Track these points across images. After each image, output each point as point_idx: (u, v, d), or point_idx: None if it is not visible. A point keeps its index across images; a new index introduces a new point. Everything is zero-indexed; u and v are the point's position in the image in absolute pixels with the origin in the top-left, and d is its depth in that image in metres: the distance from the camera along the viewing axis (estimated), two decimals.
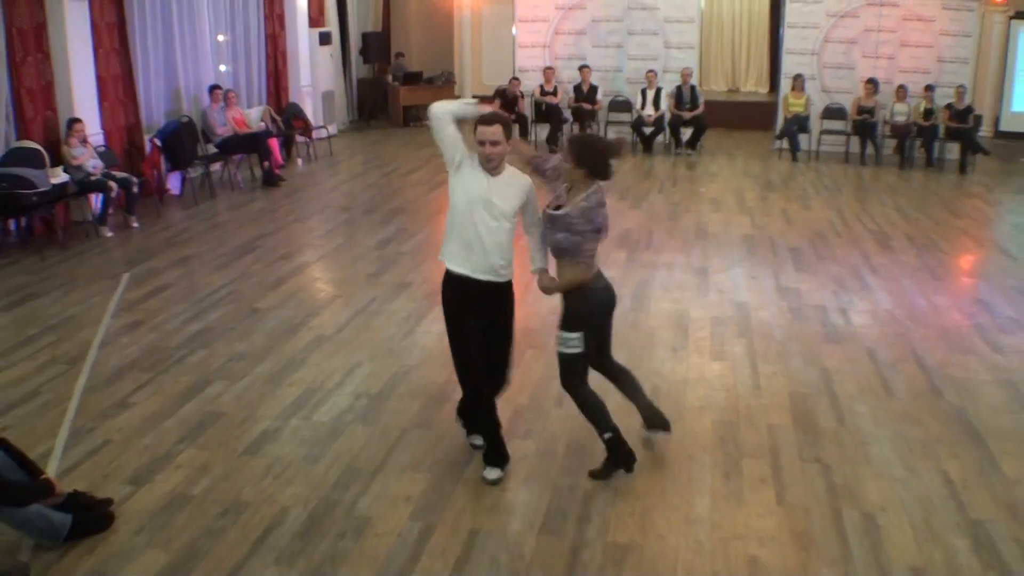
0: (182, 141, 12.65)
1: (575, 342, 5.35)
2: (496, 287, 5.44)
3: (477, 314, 5.42)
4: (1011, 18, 17.93)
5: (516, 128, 16.84)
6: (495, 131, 5.22)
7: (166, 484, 5.38)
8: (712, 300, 8.72)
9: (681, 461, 5.75)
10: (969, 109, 16.19)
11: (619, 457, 5.53)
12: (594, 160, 5.24)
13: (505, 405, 6.38)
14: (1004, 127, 18.08)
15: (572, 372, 5.45)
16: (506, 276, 5.47)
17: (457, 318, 5.46)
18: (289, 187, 13.70)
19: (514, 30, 18.17)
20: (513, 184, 5.36)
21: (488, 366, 5.52)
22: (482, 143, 5.23)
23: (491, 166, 5.29)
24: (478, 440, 5.77)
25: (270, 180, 13.71)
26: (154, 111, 13.10)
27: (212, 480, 5.43)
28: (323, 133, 16.96)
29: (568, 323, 5.38)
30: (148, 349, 7.40)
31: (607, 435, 5.50)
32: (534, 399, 6.54)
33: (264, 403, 6.45)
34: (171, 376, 6.89)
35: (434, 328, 7.90)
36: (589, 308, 5.41)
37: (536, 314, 8.19)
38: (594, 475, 5.53)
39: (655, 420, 5.83)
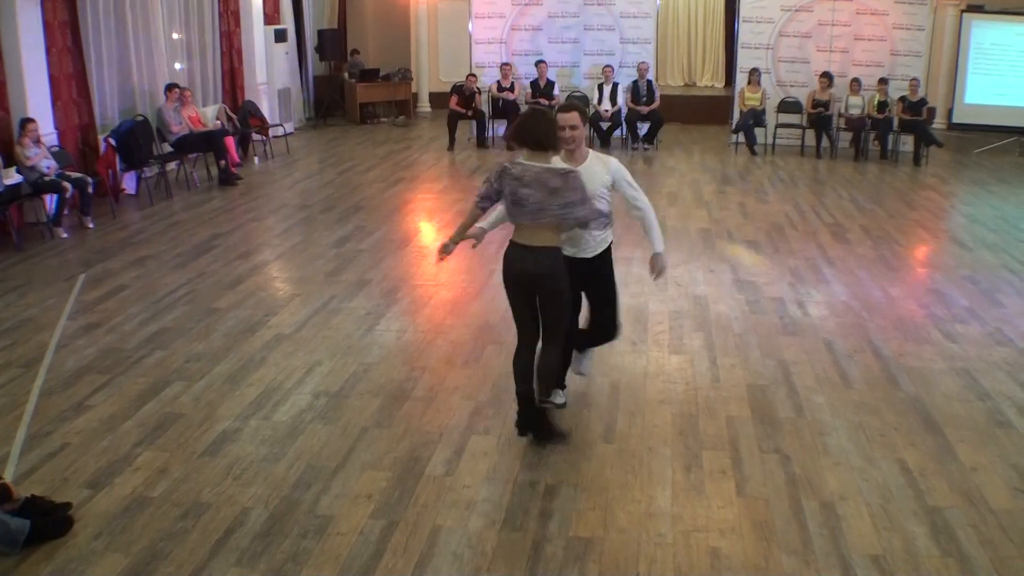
0: (137, 140, 12.52)
1: None
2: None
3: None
4: (963, 11, 18.12)
5: (473, 125, 16.92)
6: (572, 117, 5.68)
7: (125, 487, 5.33)
8: (670, 294, 8.76)
9: (641, 454, 5.78)
10: (923, 101, 16.39)
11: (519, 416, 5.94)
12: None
13: (465, 401, 6.43)
14: (957, 119, 18.26)
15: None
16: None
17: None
18: (246, 186, 13.61)
19: (470, 26, 18.15)
20: (599, 162, 5.85)
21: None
22: (562, 128, 5.60)
23: (572, 147, 5.71)
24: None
25: (226, 179, 13.61)
26: (108, 110, 12.96)
27: (172, 482, 5.39)
28: (279, 131, 16.87)
29: None
30: (105, 351, 7.33)
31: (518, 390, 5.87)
32: (495, 395, 6.54)
33: (223, 403, 6.40)
34: (129, 378, 6.82)
35: (393, 326, 7.89)
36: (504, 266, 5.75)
37: (496, 310, 8.20)
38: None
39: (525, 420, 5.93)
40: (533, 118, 5.63)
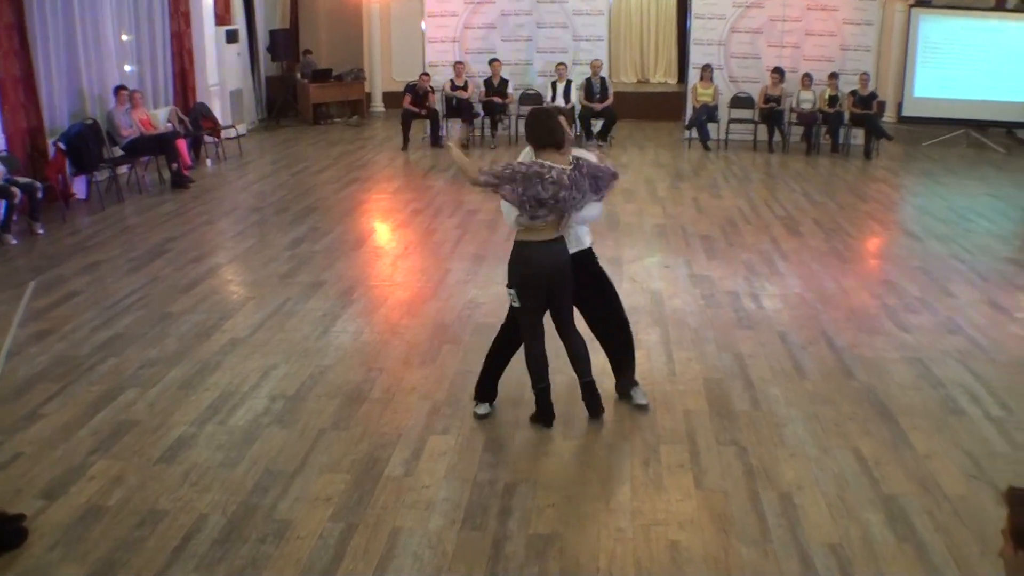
0: (87, 144, 12.36)
1: (511, 296, 5.84)
2: None
3: None
4: (911, 6, 18.30)
5: (427, 125, 16.89)
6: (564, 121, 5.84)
7: (80, 496, 5.27)
8: (626, 289, 8.75)
9: (600, 450, 5.80)
10: (873, 95, 16.55)
11: (541, 411, 6.06)
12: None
13: (423, 401, 6.42)
14: (907, 112, 18.43)
15: (517, 324, 6.00)
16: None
17: None
18: (198, 188, 13.49)
19: (423, 25, 18.10)
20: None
21: None
22: None
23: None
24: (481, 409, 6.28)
25: (179, 182, 13.49)
26: (57, 114, 12.79)
27: (128, 490, 5.33)
28: (232, 133, 16.71)
29: (508, 278, 5.87)
30: (57, 358, 7.24)
31: (539, 386, 6.02)
32: (452, 394, 6.54)
33: (179, 409, 6.35)
34: (82, 385, 6.75)
35: (349, 327, 7.86)
36: (525, 267, 5.77)
37: (452, 309, 8.20)
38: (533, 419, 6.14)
39: (590, 403, 6.20)
40: (548, 118, 5.72)
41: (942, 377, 6.91)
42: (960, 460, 5.70)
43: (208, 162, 15.45)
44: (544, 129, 5.64)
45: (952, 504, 5.20)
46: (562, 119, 5.74)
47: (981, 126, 18.10)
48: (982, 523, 4.99)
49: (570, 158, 5.70)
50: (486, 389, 6.29)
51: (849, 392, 6.65)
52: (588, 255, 6.20)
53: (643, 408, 6.31)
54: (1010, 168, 15.81)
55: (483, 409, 6.24)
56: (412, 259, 9.96)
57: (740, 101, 17.29)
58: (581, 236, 6.10)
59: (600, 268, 6.30)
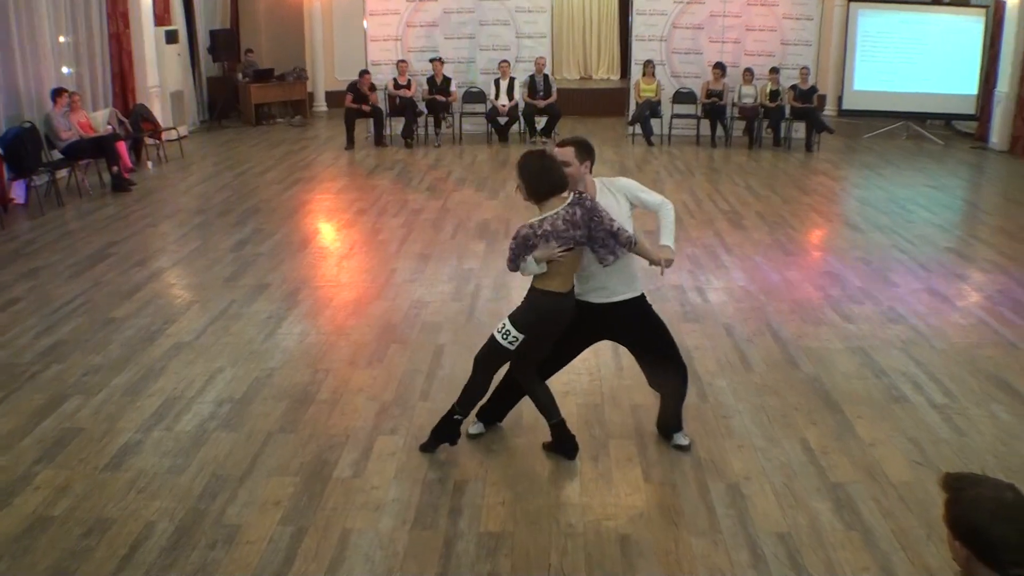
0: (25, 147, 12.16)
1: (511, 337, 5.34)
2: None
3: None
4: (850, 1, 18.53)
5: (371, 124, 16.80)
6: (566, 152, 5.52)
7: (25, 507, 5.18)
8: None
9: None
10: (813, 89, 16.76)
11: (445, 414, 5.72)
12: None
13: (371, 402, 6.40)
14: (847, 106, 18.65)
15: (490, 357, 5.53)
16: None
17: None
18: (140, 191, 13.33)
19: (365, 23, 18.03)
20: (608, 193, 5.82)
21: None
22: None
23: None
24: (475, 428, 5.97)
25: (120, 185, 13.32)
26: None
27: (74, 499, 5.26)
28: (173, 134, 16.49)
29: (515, 317, 5.38)
30: None
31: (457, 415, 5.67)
32: (400, 394, 6.52)
33: (124, 416, 6.27)
34: (25, 393, 6.64)
35: (295, 329, 7.81)
36: (538, 316, 5.36)
37: (399, 309, 8.18)
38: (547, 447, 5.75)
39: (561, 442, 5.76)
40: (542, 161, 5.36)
41: (885, 366, 7.02)
42: (904, 447, 5.79)
43: (149, 164, 15.26)
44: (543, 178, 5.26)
45: (898, 491, 5.28)
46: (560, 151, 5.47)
47: (920, 118, 18.40)
48: (928, 509, 5.06)
49: (567, 194, 5.35)
50: (494, 412, 6.03)
51: (795, 383, 6.72)
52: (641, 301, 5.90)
53: (684, 448, 5.82)
54: (948, 159, 16.07)
55: (476, 428, 5.97)
56: (357, 259, 9.92)
57: (682, 96, 17.43)
58: (631, 280, 5.89)
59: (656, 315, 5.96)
